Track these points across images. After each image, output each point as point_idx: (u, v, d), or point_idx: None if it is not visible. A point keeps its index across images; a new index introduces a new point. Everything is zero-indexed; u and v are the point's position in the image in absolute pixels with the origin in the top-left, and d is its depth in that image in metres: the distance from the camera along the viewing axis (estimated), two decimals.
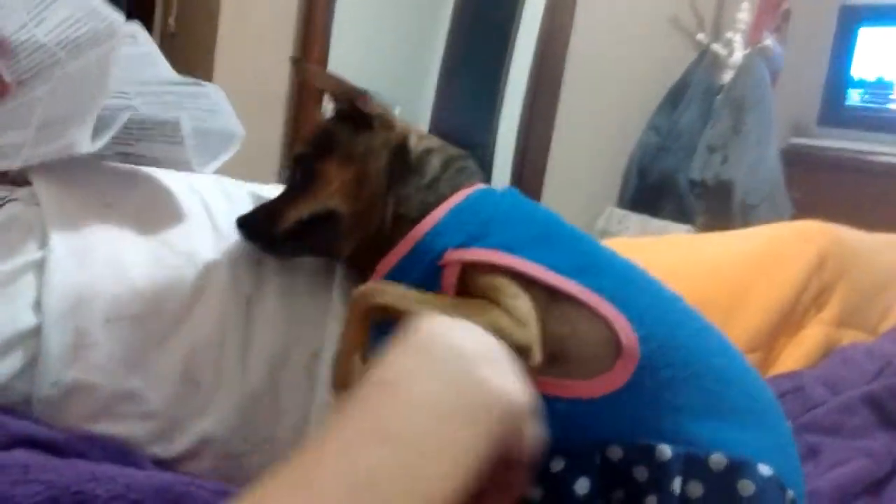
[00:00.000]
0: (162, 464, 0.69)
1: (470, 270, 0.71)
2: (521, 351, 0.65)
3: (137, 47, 0.76)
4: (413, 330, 0.46)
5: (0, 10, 0.74)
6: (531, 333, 0.67)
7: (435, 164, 0.79)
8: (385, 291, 0.67)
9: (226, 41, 2.26)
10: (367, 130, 0.80)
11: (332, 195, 0.77)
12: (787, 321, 1.23)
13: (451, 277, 0.71)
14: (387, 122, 0.81)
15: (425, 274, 0.72)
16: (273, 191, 0.88)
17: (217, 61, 2.26)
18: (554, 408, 0.66)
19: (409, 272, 0.73)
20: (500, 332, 0.63)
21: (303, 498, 0.38)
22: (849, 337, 1.27)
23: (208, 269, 0.76)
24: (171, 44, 2.76)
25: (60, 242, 0.70)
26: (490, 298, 0.68)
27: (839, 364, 1.18)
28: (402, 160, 0.79)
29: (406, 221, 0.76)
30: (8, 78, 0.76)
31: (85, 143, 0.68)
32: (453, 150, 0.82)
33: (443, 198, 0.77)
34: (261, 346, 0.75)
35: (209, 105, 0.82)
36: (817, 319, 1.25)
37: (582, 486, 0.66)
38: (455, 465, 0.41)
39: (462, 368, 0.44)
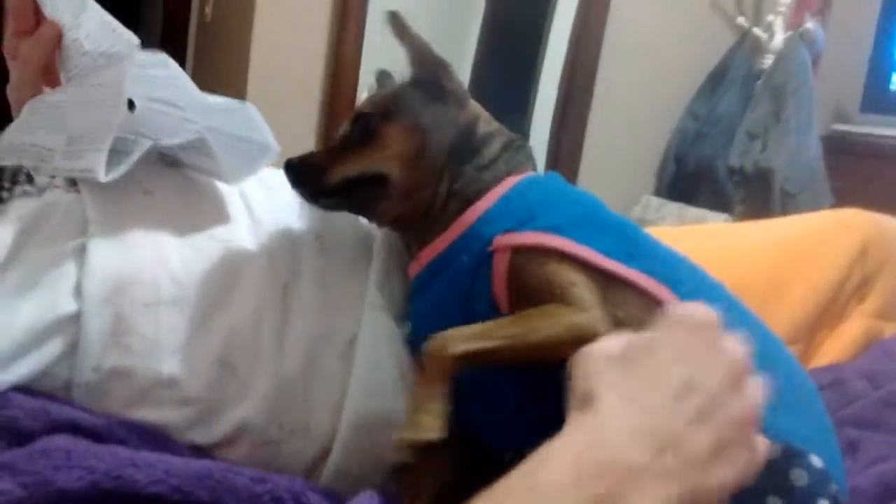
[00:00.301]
0: (199, 450, 0.70)
1: (521, 256, 0.70)
2: (590, 338, 0.65)
3: (167, 70, 0.75)
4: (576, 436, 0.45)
5: (54, 2, 0.75)
6: (595, 315, 0.66)
7: (495, 147, 0.79)
8: (454, 339, 0.65)
9: (262, 29, 2.28)
10: (440, 103, 0.79)
11: (387, 159, 0.77)
12: (828, 313, 1.21)
13: (501, 263, 0.71)
14: (462, 101, 0.80)
15: (476, 260, 0.72)
16: None
17: (253, 49, 2.28)
18: None
19: (458, 258, 0.74)
20: (572, 332, 0.64)
21: None
22: (891, 329, 1.24)
23: (246, 257, 0.77)
24: (207, 32, 2.79)
25: (100, 229, 0.71)
26: (547, 292, 0.67)
27: (880, 357, 1.16)
28: (466, 140, 0.78)
29: (460, 200, 0.76)
30: (60, 70, 0.77)
31: (101, 171, 0.68)
32: (513, 136, 0.82)
33: (498, 179, 0.77)
34: (297, 332, 0.76)
35: (245, 119, 0.82)
36: (858, 311, 1.23)
37: None
38: None
39: (608, 486, 0.42)
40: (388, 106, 0.79)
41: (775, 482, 0.63)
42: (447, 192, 0.77)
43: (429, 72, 0.79)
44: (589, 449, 0.43)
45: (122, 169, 0.71)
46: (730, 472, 0.44)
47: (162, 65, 0.75)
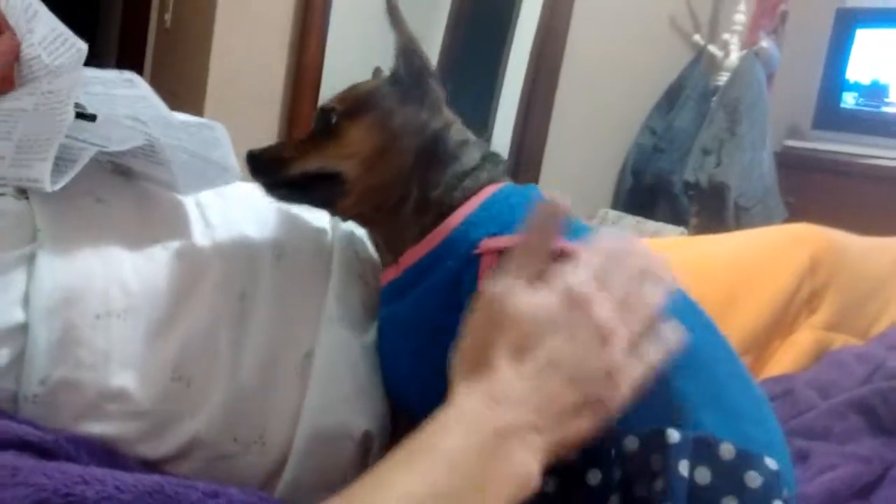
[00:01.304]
0: (149, 464, 0.69)
1: (507, 256, 0.71)
2: None
3: (134, 90, 0.74)
4: (459, 401, 0.52)
5: (7, 7, 0.74)
6: None
7: (475, 155, 0.79)
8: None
9: (222, 36, 2.26)
10: (413, 106, 0.78)
11: (345, 157, 0.76)
12: (779, 324, 1.23)
13: (489, 266, 0.71)
14: (437, 106, 0.79)
15: (462, 264, 0.72)
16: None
17: (213, 57, 2.26)
18: None
19: (443, 263, 0.73)
20: None
21: None
22: (840, 341, 1.27)
23: (201, 267, 0.76)
24: (166, 39, 2.75)
25: (50, 238, 0.69)
26: None
27: (830, 368, 1.18)
28: (437, 146, 0.78)
29: (440, 206, 0.75)
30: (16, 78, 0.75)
31: (46, 181, 0.67)
32: (488, 147, 0.82)
33: (479, 186, 0.77)
34: (253, 345, 0.75)
35: (212, 137, 0.81)
36: (809, 323, 1.26)
37: (594, 477, 0.66)
38: None
39: (496, 444, 0.50)
40: (356, 102, 0.78)
41: (730, 484, 0.64)
42: (421, 198, 0.76)
43: (412, 70, 0.79)
44: (484, 418, 0.51)
45: (67, 178, 0.69)
46: (589, 422, 0.55)
47: (129, 83, 0.74)
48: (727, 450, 0.65)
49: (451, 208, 0.75)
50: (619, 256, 0.60)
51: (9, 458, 0.52)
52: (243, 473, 0.73)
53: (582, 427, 0.54)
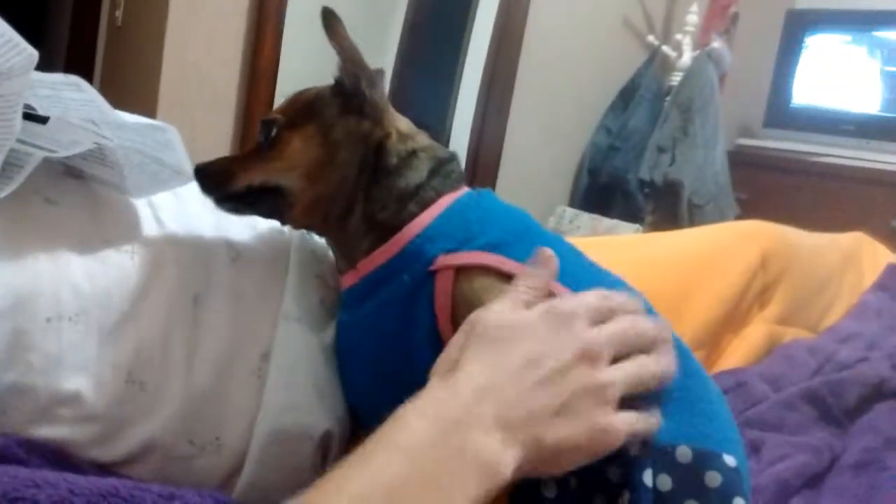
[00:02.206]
0: (103, 468, 0.67)
1: (464, 277, 0.70)
2: None
3: (81, 93, 0.73)
4: (420, 395, 0.52)
5: None
6: None
7: (422, 169, 0.76)
8: None
9: (175, 35, 2.22)
10: (354, 115, 0.77)
11: (286, 170, 0.75)
12: (731, 319, 1.25)
13: (445, 283, 0.70)
14: (377, 114, 0.77)
15: (418, 279, 0.71)
16: None
17: (165, 55, 2.22)
18: None
19: (398, 276, 0.72)
20: None
21: None
22: (791, 334, 1.30)
23: (154, 268, 0.74)
24: (117, 37, 2.70)
25: None
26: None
27: (781, 361, 1.21)
28: (381, 158, 0.76)
29: (388, 225, 0.74)
30: None
31: None
32: (442, 153, 0.79)
33: (426, 205, 0.75)
34: (208, 346, 0.74)
35: (164, 139, 0.80)
36: (760, 317, 1.28)
37: (550, 489, 0.66)
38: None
39: (462, 437, 0.50)
40: (297, 113, 0.77)
41: (691, 486, 0.64)
42: (367, 215, 0.75)
43: (351, 77, 0.77)
44: (445, 407, 0.51)
45: (14, 185, 0.68)
46: (569, 431, 0.53)
47: (75, 86, 0.72)
48: (683, 453, 0.66)
49: (398, 229, 0.74)
50: (613, 304, 0.60)
51: None
52: (200, 475, 0.72)
53: (561, 434, 0.53)
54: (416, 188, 0.75)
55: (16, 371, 0.65)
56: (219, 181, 0.77)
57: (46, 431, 0.66)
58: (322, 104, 0.78)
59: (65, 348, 0.67)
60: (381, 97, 0.78)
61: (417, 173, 0.76)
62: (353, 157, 0.76)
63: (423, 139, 0.80)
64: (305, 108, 0.78)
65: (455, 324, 0.69)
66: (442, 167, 0.78)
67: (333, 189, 0.76)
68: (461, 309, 0.69)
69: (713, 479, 0.65)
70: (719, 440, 0.68)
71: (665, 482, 0.65)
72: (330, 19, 0.77)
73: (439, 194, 0.76)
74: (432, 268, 0.71)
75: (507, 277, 0.69)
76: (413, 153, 0.77)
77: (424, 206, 0.75)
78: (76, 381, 0.67)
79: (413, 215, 0.74)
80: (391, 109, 0.80)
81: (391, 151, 0.76)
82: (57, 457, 0.63)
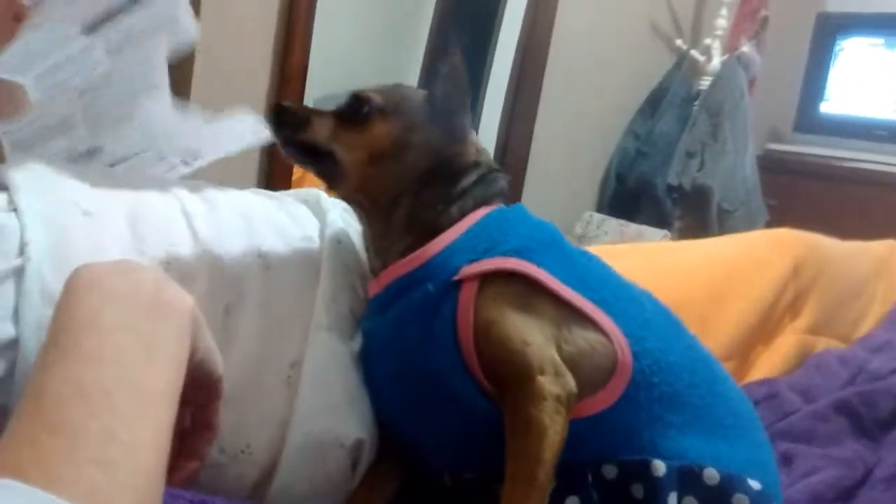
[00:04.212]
0: None
1: (489, 287, 0.70)
2: (571, 402, 0.66)
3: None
4: (73, 283, 0.50)
5: None
6: (556, 380, 0.66)
7: (470, 179, 0.79)
8: None
9: (206, 41, 2.24)
10: (437, 130, 0.79)
11: (358, 148, 0.78)
12: (763, 329, 1.24)
13: (469, 291, 0.70)
14: (460, 137, 0.80)
15: (441, 289, 0.72)
16: (250, 200, 0.88)
17: (197, 63, 2.24)
18: None
19: (422, 285, 0.73)
20: (554, 424, 0.65)
21: (47, 432, 0.40)
22: (822, 344, 1.28)
23: (186, 278, 0.75)
24: None
25: (39, 250, 0.69)
26: (503, 349, 0.68)
27: (813, 371, 1.19)
28: (444, 171, 0.78)
29: (428, 227, 0.76)
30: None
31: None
32: (493, 165, 0.82)
33: (465, 212, 0.76)
34: (237, 356, 0.75)
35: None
36: (792, 327, 1.27)
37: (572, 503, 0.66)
38: (165, 361, 0.47)
39: (139, 291, 0.49)
40: (393, 103, 0.79)
41: None
42: (412, 212, 0.77)
43: (449, 97, 0.80)
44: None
45: None
46: None
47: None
48: (711, 475, 0.66)
49: (437, 231, 0.75)
50: None
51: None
52: (231, 483, 0.73)
53: None
54: (461, 192, 0.77)
55: None
56: (291, 124, 0.79)
57: None
58: (413, 106, 0.80)
59: None
60: (466, 126, 0.81)
61: (466, 181, 0.78)
62: (420, 162, 0.78)
63: (484, 152, 0.83)
64: (400, 102, 0.80)
65: (477, 333, 0.69)
66: (488, 176, 0.80)
67: (387, 181, 0.78)
68: (484, 322, 0.70)
69: (741, 501, 0.65)
70: (744, 462, 0.68)
71: None
72: (460, 52, 0.80)
73: (477, 204, 0.77)
74: (456, 277, 0.71)
75: (530, 283, 0.70)
76: (469, 165, 0.80)
77: (465, 212, 0.76)
78: None
79: (453, 220, 0.75)
80: (472, 131, 0.83)
81: (455, 166, 0.79)
82: None
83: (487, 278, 0.71)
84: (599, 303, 0.71)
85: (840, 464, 0.95)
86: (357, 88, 0.81)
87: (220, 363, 0.57)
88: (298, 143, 0.79)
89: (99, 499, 0.38)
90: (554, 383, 0.66)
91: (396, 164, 0.78)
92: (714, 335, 1.14)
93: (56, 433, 0.40)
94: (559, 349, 0.68)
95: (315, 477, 0.74)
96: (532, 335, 0.68)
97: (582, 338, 0.69)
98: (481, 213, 0.77)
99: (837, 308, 1.34)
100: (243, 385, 0.74)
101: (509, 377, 0.67)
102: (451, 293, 0.71)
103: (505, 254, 0.72)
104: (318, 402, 0.75)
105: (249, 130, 0.88)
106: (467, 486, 0.74)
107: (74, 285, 0.50)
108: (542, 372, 0.66)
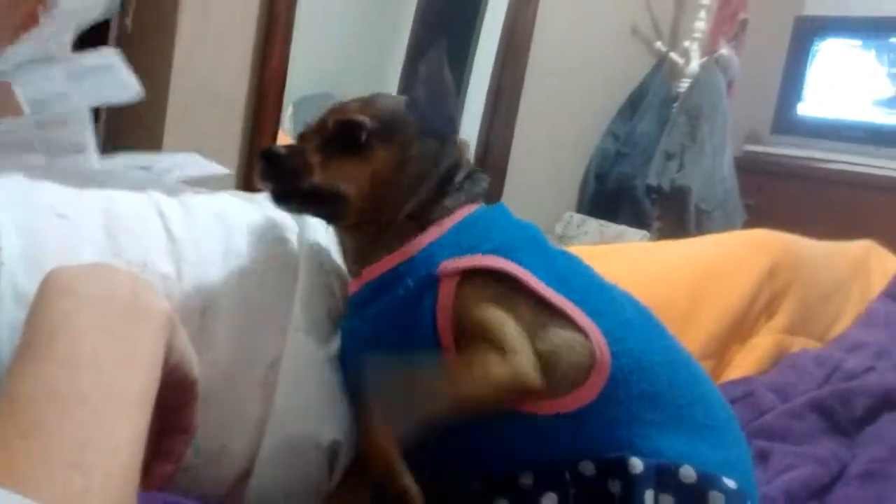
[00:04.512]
0: None
1: (467, 284, 0.71)
2: (522, 386, 0.67)
3: None
4: (47, 286, 0.49)
5: None
6: (524, 361, 0.67)
7: (461, 176, 0.79)
8: (385, 431, 0.65)
9: (184, 43, 2.23)
10: (432, 138, 0.78)
11: (362, 179, 0.75)
12: (739, 329, 1.25)
13: (449, 287, 0.71)
14: (451, 139, 0.80)
15: (420, 283, 0.72)
16: (227, 202, 0.87)
17: (175, 63, 2.23)
18: (528, 424, 0.68)
19: (403, 282, 0.73)
20: (503, 386, 0.66)
21: (20, 435, 0.39)
22: (798, 344, 1.30)
23: (162, 282, 0.74)
24: (127, 44, 2.71)
25: (11, 253, 0.68)
26: (480, 330, 0.68)
27: (788, 371, 1.21)
28: (440, 175, 0.78)
29: (417, 223, 0.76)
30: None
31: None
32: (473, 165, 0.83)
33: (456, 207, 0.77)
34: (214, 358, 0.74)
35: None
36: (768, 327, 1.28)
37: (549, 501, 0.67)
38: (142, 364, 0.47)
39: (115, 294, 0.49)
40: (384, 121, 0.77)
41: None
42: (401, 221, 0.77)
43: (434, 99, 0.78)
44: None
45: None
46: None
47: None
48: (687, 473, 0.66)
49: (422, 229, 0.75)
50: None
51: None
52: (207, 485, 0.73)
53: None
54: (454, 190, 0.78)
55: None
56: (293, 174, 0.75)
57: None
58: (401, 120, 0.78)
59: None
60: (456, 117, 0.81)
61: (458, 178, 0.79)
62: (419, 173, 0.77)
63: (469, 150, 0.84)
64: (390, 119, 0.77)
65: (456, 326, 0.70)
66: (473, 174, 0.81)
67: (390, 199, 0.76)
68: (462, 311, 0.70)
69: (716, 499, 0.65)
70: (720, 462, 0.68)
71: (668, 502, 0.65)
72: (439, 51, 0.79)
73: (465, 201, 0.78)
74: (437, 271, 0.71)
75: (510, 282, 0.70)
76: (460, 165, 0.80)
77: (449, 210, 0.77)
78: None
79: (437, 219, 0.76)
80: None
81: (453, 166, 0.79)
82: None
83: (467, 275, 0.71)
84: (579, 303, 0.71)
85: (815, 461, 0.96)
86: (334, 105, 0.79)
87: (195, 366, 0.57)
88: (300, 193, 0.75)
89: (73, 502, 0.38)
90: (521, 364, 0.67)
91: (399, 181, 0.76)
92: (692, 335, 1.15)
93: (29, 436, 0.39)
94: (534, 346, 0.69)
95: (291, 478, 0.74)
96: (509, 326, 0.69)
97: (559, 336, 0.69)
98: (465, 211, 0.77)
99: (813, 308, 1.36)
100: (220, 387, 0.74)
101: None
102: (431, 288, 0.71)
103: (487, 252, 0.72)
104: (294, 404, 0.75)
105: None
106: (449, 483, 0.74)
107: (49, 288, 0.49)
108: (514, 351, 0.67)
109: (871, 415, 1.05)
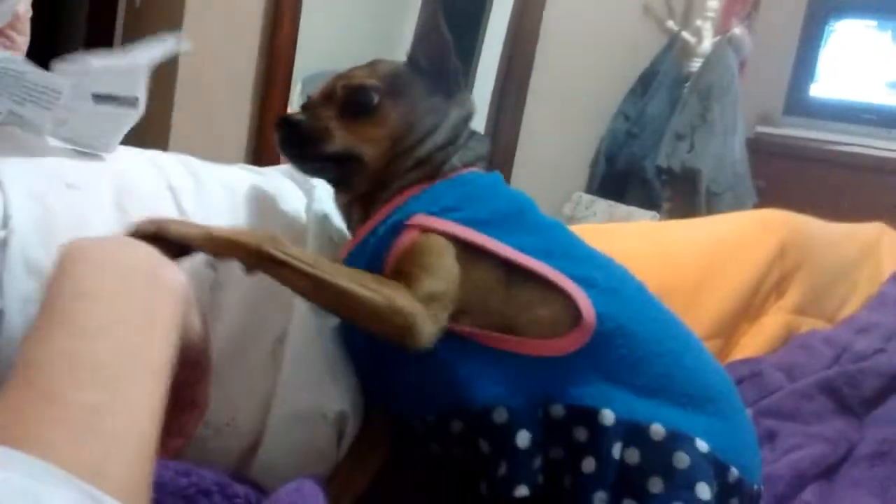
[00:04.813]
0: None
1: (425, 239, 0.71)
2: (404, 329, 0.65)
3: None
4: (67, 256, 0.49)
5: None
6: (422, 310, 0.66)
7: (465, 136, 0.80)
8: (288, 247, 0.65)
9: (193, 18, 2.22)
10: (440, 96, 0.79)
11: (377, 139, 0.76)
12: (748, 308, 1.25)
13: (406, 238, 0.71)
14: (457, 94, 0.80)
15: (388, 231, 0.73)
16: (237, 175, 0.87)
17: (183, 36, 2.22)
18: (503, 362, 0.69)
19: (377, 231, 0.74)
20: (391, 307, 0.64)
21: (37, 400, 0.40)
22: (808, 324, 1.29)
23: None
24: (136, 19, 2.71)
25: (23, 223, 0.68)
26: (405, 273, 0.68)
27: (797, 351, 1.20)
28: (446, 134, 0.79)
29: (414, 176, 0.77)
30: None
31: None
32: (474, 129, 0.83)
33: (450, 169, 0.78)
34: (223, 331, 0.75)
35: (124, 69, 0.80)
36: (777, 307, 1.28)
37: (523, 439, 0.68)
38: (160, 335, 0.47)
39: (135, 266, 0.50)
40: (389, 82, 0.78)
41: (658, 464, 0.66)
42: (406, 168, 0.77)
43: (434, 55, 0.78)
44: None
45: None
46: None
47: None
48: (657, 430, 0.67)
49: (421, 182, 0.76)
50: None
51: None
52: (215, 456, 0.73)
53: None
54: (451, 147, 0.79)
55: None
56: (315, 139, 0.76)
57: None
58: (408, 80, 0.79)
59: None
60: (459, 73, 0.80)
61: (462, 138, 0.80)
62: (426, 130, 0.78)
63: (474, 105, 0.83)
64: (395, 80, 0.78)
65: (394, 269, 0.70)
66: (475, 136, 0.82)
67: (397, 156, 0.77)
68: (403, 256, 0.70)
69: (681, 460, 0.66)
70: (696, 427, 0.69)
71: (633, 456, 0.67)
72: (433, 5, 0.78)
73: (454, 166, 0.79)
74: (406, 222, 0.72)
75: (473, 250, 0.71)
76: (464, 123, 0.81)
77: (451, 168, 0.78)
78: None
79: (440, 173, 0.77)
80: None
81: (458, 126, 0.80)
82: None
83: (429, 232, 0.72)
84: (565, 270, 0.72)
85: (823, 441, 0.96)
86: (338, 74, 0.80)
87: (210, 342, 0.57)
88: (322, 157, 0.76)
89: (92, 468, 0.38)
90: (413, 305, 0.66)
91: (407, 141, 0.77)
92: (700, 314, 1.15)
93: (46, 402, 0.39)
94: (500, 303, 0.70)
95: (299, 450, 0.75)
96: (434, 273, 0.69)
97: (530, 297, 0.70)
98: (458, 172, 0.78)
99: (823, 289, 1.35)
100: (228, 359, 0.74)
101: None
102: (394, 235, 0.72)
103: (459, 220, 0.73)
104: (301, 376, 0.76)
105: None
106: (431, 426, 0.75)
107: (70, 257, 0.49)
108: (428, 299, 0.67)
109: (880, 396, 1.05)
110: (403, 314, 0.65)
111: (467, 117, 0.81)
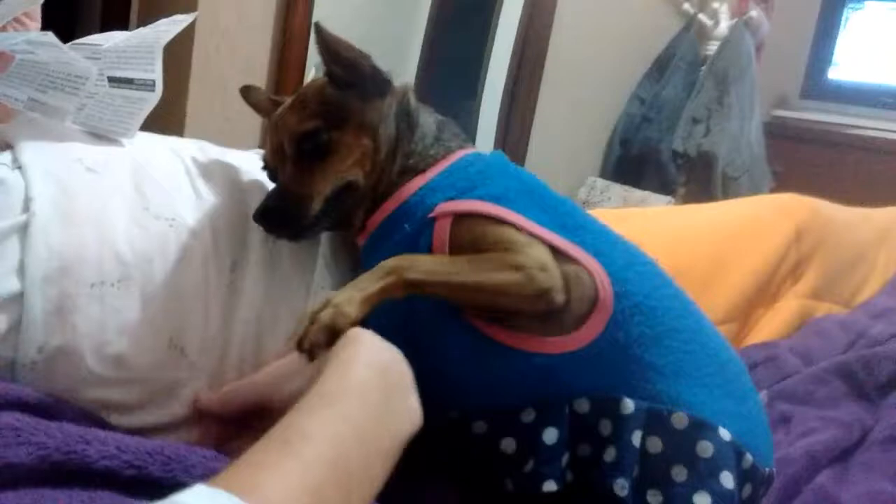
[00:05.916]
0: (152, 432, 0.70)
1: (462, 223, 0.73)
2: (542, 294, 0.68)
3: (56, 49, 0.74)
4: (349, 348, 0.56)
5: None
6: (553, 276, 0.69)
7: (430, 122, 0.82)
8: (415, 265, 0.67)
9: (207, 2, 2.23)
10: (374, 97, 0.79)
11: (351, 167, 0.77)
12: (764, 292, 1.25)
13: (443, 230, 0.72)
14: (387, 85, 0.81)
15: (417, 227, 0.74)
16: (253, 161, 0.88)
17: (198, 21, 2.23)
18: (531, 362, 0.69)
19: (400, 226, 0.75)
20: (526, 276, 0.67)
21: (292, 468, 0.44)
22: (823, 309, 1.29)
23: (191, 236, 0.76)
24: (150, 5, 2.71)
25: (44, 206, 0.69)
26: (503, 250, 0.70)
27: (813, 335, 1.20)
28: (406, 120, 0.80)
29: (409, 173, 0.78)
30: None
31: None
32: (438, 114, 0.84)
33: (447, 153, 0.79)
34: (245, 314, 0.76)
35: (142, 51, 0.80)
36: (793, 291, 1.28)
37: (550, 435, 0.68)
38: (381, 473, 0.51)
39: (396, 386, 0.56)
40: (329, 112, 0.78)
41: (682, 452, 0.67)
42: (399, 170, 0.79)
43: (345, 64, 0.79)
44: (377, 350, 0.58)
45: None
46: None
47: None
48: (679, 419, 0.67)
49: (417, 174, 0.78)
50: None
51: (9, 418, 0.53)
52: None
53: None
54: (434, 139, 0.80)
55: (62, 335, 0.67)
56: (294, 212, 0.76)
57: (93, 394, 0.68)
58: (339, 100, 0.79)
59: (108, 313, 0.69)
60: (379, 70, 0.81)
61: (429, 125, 0.81)
62: (391, 130, 0.79)
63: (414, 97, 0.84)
64: (329, 108, 0.78)
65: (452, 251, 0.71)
66: (446, 125, 0.83)
67: (383, 163, 0.78)
68: (457, 242, 0.72)
69: (705, 449, 0.66)
70: (718, 412, 0.69)
71: (655, 445, 0.67)
72: (321, 31, 0.78)
73: (458, 147, 0.81)
74: (431, 214, 0.73)
75: (503, 224, 0.72)
76: (418, 108, 0.82)
77: (443, 155, 0.79)
78: (119, 345, 0.69)
79: (429, 164, 0.78)
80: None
81: (412, 110, 0.81)
82: (99, 423, 0.65)
83: (462, 218, 0.73)
84: (580, 244, 0.73)
85: (838, 425, 0.96)
86: (272, 125, 0.81)
87: None
88: (313, 219, 0.77)
89: None
90: (542, 259, 0.69)
91: (381, 148, 0.78)
92: (716, 298, 1.15)
93: (283, 467, 0.44)
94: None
95: None
96: (530, 243, 0.71)
97: (566, 266, 0.71)
98: (458, 155, 0.79)
99: (839, 273, 1.35)
100: (253, 343, 0.76)
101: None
102: (426, 229, 0.73)
103: (480, 197, 0.74)
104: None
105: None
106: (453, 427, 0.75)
107: (353, 351, 0.56)
108: (529, 254, 0.70)
109: (895, 381, 1.05)
110: (536, 273, 0.68)
111: (407, 105, 0.81)
